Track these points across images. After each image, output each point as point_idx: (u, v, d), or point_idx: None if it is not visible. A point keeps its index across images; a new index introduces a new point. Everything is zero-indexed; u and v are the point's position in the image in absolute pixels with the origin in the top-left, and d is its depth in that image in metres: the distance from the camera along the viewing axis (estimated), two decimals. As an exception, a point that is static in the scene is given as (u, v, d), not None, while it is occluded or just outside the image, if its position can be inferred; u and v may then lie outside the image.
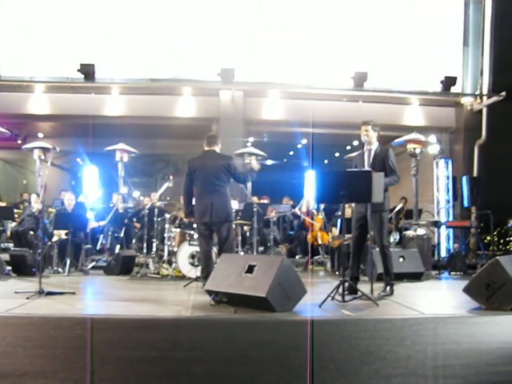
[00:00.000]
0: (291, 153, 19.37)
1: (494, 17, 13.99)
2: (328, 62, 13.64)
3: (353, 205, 6.99)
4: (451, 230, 12.29)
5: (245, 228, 10.23)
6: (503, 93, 13.69)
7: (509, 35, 14.00)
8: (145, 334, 4.23)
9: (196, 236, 8.23)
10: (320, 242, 10.60)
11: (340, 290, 5.49)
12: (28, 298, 5.48)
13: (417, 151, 11.08)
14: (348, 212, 8.75)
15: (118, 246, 10.33)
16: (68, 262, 8.71)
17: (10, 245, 10.82)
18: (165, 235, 9.01)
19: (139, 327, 4.28)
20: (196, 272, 7.78)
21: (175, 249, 8.65)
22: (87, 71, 12.56)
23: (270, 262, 5.11)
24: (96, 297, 6.90)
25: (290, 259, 10.45)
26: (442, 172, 12.76)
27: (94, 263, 9.83)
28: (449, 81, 13.52)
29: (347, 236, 7.00)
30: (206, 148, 6.95)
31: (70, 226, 8.88)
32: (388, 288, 6.30)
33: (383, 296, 6.07)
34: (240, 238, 9.77)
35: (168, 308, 5.46)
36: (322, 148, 17.74)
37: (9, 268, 8.33)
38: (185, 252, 8.25)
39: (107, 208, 11.18)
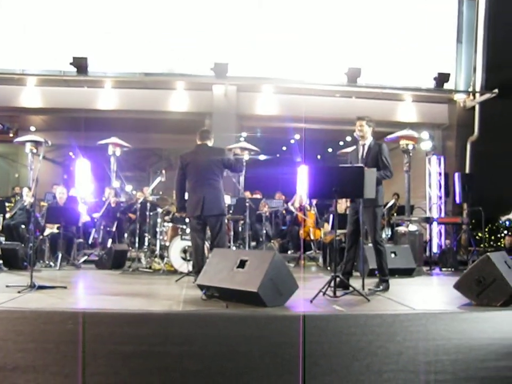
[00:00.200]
0: (284, 148, 19.37)
1: (487, 14, 14.04)
2: (322, 57, 13.64)
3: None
4: (443, 226, 12.33)
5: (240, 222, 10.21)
6: (496, 90, 13.76)
7: (502, 33, 14.04)
8: (137, 328, 4.22)
9: (188, 230, 8.23)
10: (312, 237, 10.61)
11: (332, 285, 5.50)
12: (19, 292, 5.47)
13: (410, 147, 11.10)
14: (341, 208, 8.77)
15: (110, 240, 10.30)
16: (60, 256, 8.67)
17: (2, 239, 10.74)
18: (157, 229, 9.01)
19: (130, 321, 4.28)
20: (187, 266, 7.78)
21: (167, 243, 8.65)
22: (80, 65, 12.52)
23: (261, 257, 5.12)
24: (88, 291, 6.89)
25: (283, 254, 10.49)
26: (434, 168, 12.80)
27: (85, 257, 9.82)
28: (442, 78, 13.56)
29: (339, 231, 7.02)
30: (199, 142, 6.94)
31: (62, 220, 8.86)
32: (383, 284, 6.31)
33: (376, 292, 6.09)
34: (232, 233, 9.77)
35: (159, 302, 5.46)
36: (315, 143, 17.77)
37: (0, 261, 8.30)
38: (177, 247, 8.25)
39: (99, 202, 11.15)
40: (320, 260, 9.99)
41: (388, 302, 5.54)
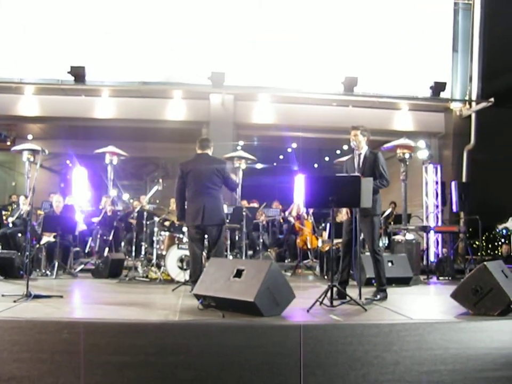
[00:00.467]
0: (281, 157, 19.40)
1: (482, 24, 14.12)
2: (319, 66, 13.69)
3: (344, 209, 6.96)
4: (440, 235, 12.32)
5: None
6: (492, 99, 13.81)
7: (497, 42, 14.13)
8: (133, 338, 4.21)
9: (185, 239, 8.22)
10: (309, 246, 10.60)
11: (328, 295, 5.49)
12: (15, 301, 5.43)
13: (407, 156, 11.13)
14: (339, 217, 8.77)
15: (106, 249, 10.28)
16: (56, 264, 8.65)
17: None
18: (154, 238, 8.99)
19: (127, 331, 4.26)
20: (184, 275, 7.77)
21: (164, 252, 8.62)
22: (78, 73, 12.53)
23: (258, 267, 5.11)
24: (84, 300, 6.86)
25: (280, 263, 10.47)
26: (431, 177, 12.80)
27: (82, 266, 9.79)
28: (438, 87, 13.60)
29: (337, 240, 7.01)
30: (199, 151, 6.93)
31: (59, 229, 8.85)
32: (380, 293, 6.30)
33: (373, 301, 6.08)
34: (229, 241, 9.76)
35: (156, 312, 5.43)
36: (312, 152, 17.81)
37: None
38: (174, 256, 8.22)
39: (96, 211, 11.13)
40: (317, 269, 9.97)
41: (384, 311, 5.52)
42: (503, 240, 14.37)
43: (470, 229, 11.93)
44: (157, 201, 12.90)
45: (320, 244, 10.09)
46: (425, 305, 6.63)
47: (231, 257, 9.57)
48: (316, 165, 20.33)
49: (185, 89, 13.64)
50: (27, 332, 4.14)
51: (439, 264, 10.15)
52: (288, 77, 13.60)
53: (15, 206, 12.10)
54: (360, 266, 7.24)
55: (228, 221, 9.50)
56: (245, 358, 4.15)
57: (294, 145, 16.29)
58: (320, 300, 5.42)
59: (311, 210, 10.94)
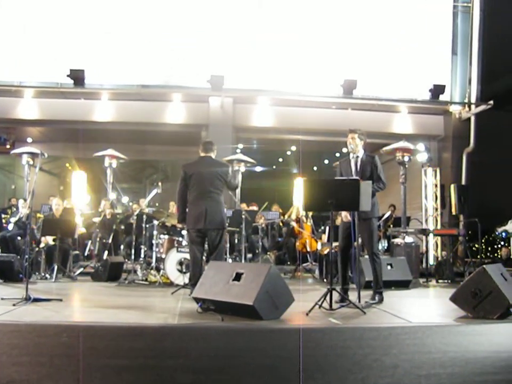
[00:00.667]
0: (280, 160, 19.41)
1: (481, 26, 14.14)
2: (318, 69, 13.70)
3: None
4: (439, 237, 12.33)
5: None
6: (491, 102, 13.82)
7: (496, 45, 14.14)
8: (132, 341, 4.20)
9: (184, 242, 8.21)
10: (308, 249, 10.60)
11: (328, 298, 5.49)
12: (14, 305, 5.42)
13: (406, 159, 11.13)
14: (338, 220, 8.75)
15: (106, 252, 10.27)
16: (56, 268, 8.66)
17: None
18: (153, 241, 8.99)
19: (126, 334, 4.26)
20: (183, 279, 7.78)
21: (163, 255, 8.62)
22: (77, 77, 12.56)
23: (257, 270, 5.10)
24: (83, 304, 6.83)
25: (279, 266, 10.48)
26: (430, 180, 12.82)
27: (81, 269, 9.80)
28: (437, 90, 13.62)
29: (335, 243, 7.01)
30: (202, 154, 6.92)
31: (58, 232, 8.84)
32: (377, 296, 6.31)
33: (371, 305, 6.07)
34: (228, 245, 9.75)
35: (155, 315, 5.43)
36: (311, 154, 17.81)
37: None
38: (173, 259, 8.23)
39: (95, 214, 11.14)
40: (317, 272, 9.96)
41: (383, 314, 5.52)
42: (502, 243, 14.39)
43: (470, 232, 11.91)
44: (157, 204, 12.87)
45: (319, 247, 10.09)
46: (424, 308, 6.62)
47: (230, 260, 9.57)
48: (315, 168, 20.34)
49: (184, 92, 13.65)
50: (26, 335, 4.13)
51: (438, 267, 10.15)
52: (288, 80, 13.62)
53: (15, 209, 12.08)
54: (360, 269, 7.25)
55: (227, 224, 9.53)
56: (244, 361, 4.14)
57: (293, 148, 16.29)
58: (320, 303, 5.41)
59: (310, 213, 10.94)
